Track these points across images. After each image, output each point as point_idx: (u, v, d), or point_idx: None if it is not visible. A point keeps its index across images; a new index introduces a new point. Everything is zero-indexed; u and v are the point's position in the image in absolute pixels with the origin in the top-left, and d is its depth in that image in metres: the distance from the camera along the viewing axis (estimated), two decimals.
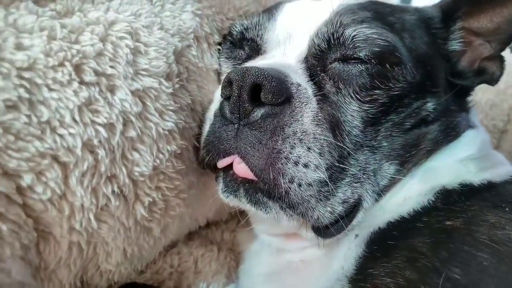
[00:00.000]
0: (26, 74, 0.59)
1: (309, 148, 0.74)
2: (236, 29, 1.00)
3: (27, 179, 0.59)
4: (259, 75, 0.72)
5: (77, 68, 0.65)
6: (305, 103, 0.77)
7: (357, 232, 0.85)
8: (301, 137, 0.74)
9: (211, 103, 0.92)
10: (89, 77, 0.66)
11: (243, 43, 0.99)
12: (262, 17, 0.99)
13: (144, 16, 0.80)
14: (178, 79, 0.83)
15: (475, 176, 0.87)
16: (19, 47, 0.60)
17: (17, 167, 0.58)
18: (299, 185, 0.73)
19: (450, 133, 0.92)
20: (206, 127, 0.85)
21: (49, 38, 0.63)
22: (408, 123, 0.86)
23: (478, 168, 0.89)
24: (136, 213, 0.75)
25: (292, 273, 0.94)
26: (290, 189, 0.73)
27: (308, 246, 0.92)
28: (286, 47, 0.92)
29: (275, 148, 0.73)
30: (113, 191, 0.69)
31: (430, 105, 0.88)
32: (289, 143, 0.73)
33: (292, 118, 0.75)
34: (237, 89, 0.73)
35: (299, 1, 1.05)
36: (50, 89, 0.61)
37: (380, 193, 0.86)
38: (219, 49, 1.01)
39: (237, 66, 0.97)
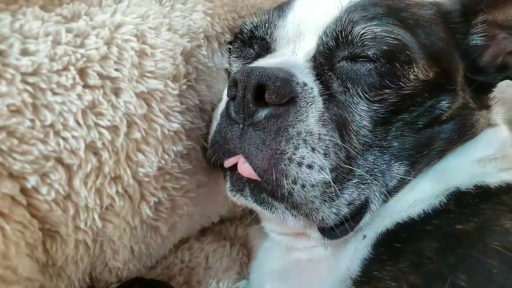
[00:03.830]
0: (31, 79, 0.61)
1: (313, 149, 0.74)
2: (246, 28, 1.00)
3: (32, 181, 0.61)
4: (263, 75, 0.72)
5: (82, 72, 0.67)
6: (311, 103, 0.77)
7: (365, 233, 0.84)
8: (306, 137, 0.74)
9: (220, 101, 0.92)
10: (93, 80, 0.68)
11: (252, 41, 0.99)
12: (272, 15, 0.98)
13: (152, 17, 0.80)
14: (185, 80, 0.84)
15: (493, 177, 0.84)
16: (24, 52, 0.62)
17: (22, 170, 0.60)
18: (303, 186, 0.73)
19: (466, 132, 0.89)
20: (213, 127, 0.86)
21: (53, 43, 0.65)
22: (420, 122, 0.84)
23: (497, 169, 0.86)
24: (141, 212, 0.77)
25: (301, 272, 0.95)
26: (294, 190, 0.73)
27: (317, 246, 0.91)
28: (295, 45, 0.91)
29: (279, 148, 0.73)
30: (117, 192, 0.71)
31: (444, 103, 0.85)
32: (293, 143, 0.73)
33: (297, 118, 0.75)
34: (242, 89, 0.73)
35: None
36: (54, 93, 0.63)
37: (389, 194, 0.84)
38: (230, 48, 1.01)
39: (246, 65, 0.97)
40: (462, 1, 0.94)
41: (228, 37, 1.01)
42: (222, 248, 1.11)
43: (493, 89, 0.99)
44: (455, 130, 0.87)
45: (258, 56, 0.97)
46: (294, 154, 0.73)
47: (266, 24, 0.96)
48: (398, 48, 0.80)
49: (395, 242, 0.78)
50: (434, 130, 0.85)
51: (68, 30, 0.67)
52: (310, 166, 0.73)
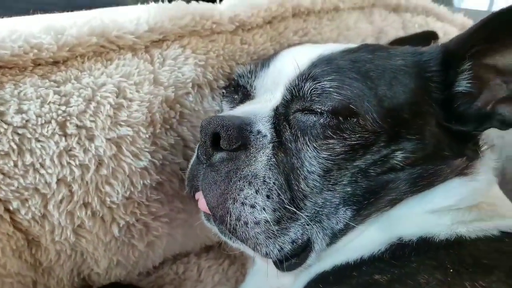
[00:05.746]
0: (20, 131, 0.85)
1: (257, 191, 0.85)
2: (235, 75, 1.13)
3: (14, 204, 0.84)
4: (218, 124, 0.86)
5: (62, 124, 0.88)
6: (260, 149, 0.88)
7: (312, 270, 0.91)
8: (251, 180, 0.85)
9: None
10: (70, 130, 0.89)
11: (238, 88, 1.12)
12: (256, 65, 1.10)
13: (136, 75, 0.98)
14: (162, 124, 1.00)
15: (446, 229, 0.84)
16: (18, 111, 0.85)
17: (6, 197, 0.84)
18: (245, 223, 0.84)
19: (419, 183, 0.89)
20: (190, 163, 1.02)
21: (42, 103, 0.87)
22: (372, 171, 0.87)
23: (456, 220, 0.86)
24: (113, 231, 0.96)
25: None
26: (237, 226, 0.85)
27: (283, 275, 1.00)
28: (272, 94, 1.02)
29: (226, 189, 0.85)
30: (86, 214, 0.91)
31: (399, 153, 0.87)
32: (239, 185, 0.85)
33: (245, 162, 0.86)
34: (204, 135, 0.88)
35: (296, 48, 1.13)
36: (37, 141, 0.86)
37: (336, 236, 0.90)
38: (223, 92, 1.16)
39: (232, 109, 1.10)
40: (445, 49, 0.94)
41: (222, 82, 1.15)
42: (218, 266, 1.26)
43: (478, 137, 0.97)
44: (406, 180, 0.88)
45: (241, 102, 1.10)
46: (238, 194, 0.84)
47: (248, 74, 1.09)
48: (341, 103, 0.86)
49: (321, 283, 0.85)
50: (388, 177, 0.88)
51: (56, 92, 0.89)
52: (252, 206, 0.84)
